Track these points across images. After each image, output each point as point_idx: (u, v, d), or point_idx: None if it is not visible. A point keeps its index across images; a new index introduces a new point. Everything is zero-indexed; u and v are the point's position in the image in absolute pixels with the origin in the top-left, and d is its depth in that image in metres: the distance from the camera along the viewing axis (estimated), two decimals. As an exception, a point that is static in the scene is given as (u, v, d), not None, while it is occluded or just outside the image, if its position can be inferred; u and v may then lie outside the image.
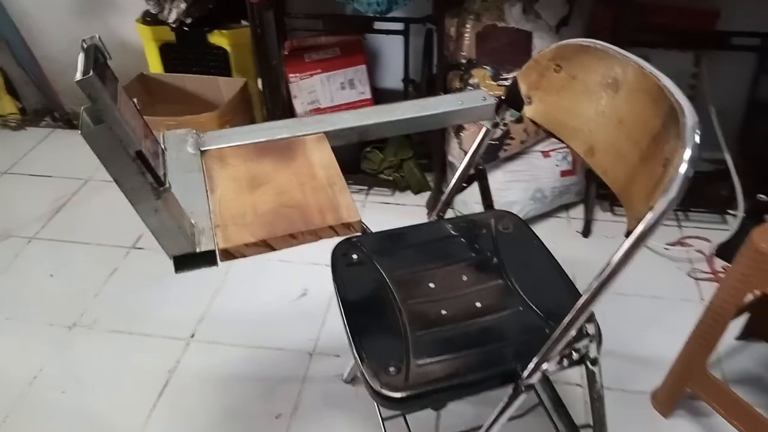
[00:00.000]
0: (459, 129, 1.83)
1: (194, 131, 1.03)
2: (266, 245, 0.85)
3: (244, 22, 1.99)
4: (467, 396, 0.97)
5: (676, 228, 1.92)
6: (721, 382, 1.35)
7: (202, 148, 0.99)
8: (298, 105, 1.92)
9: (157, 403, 1.41)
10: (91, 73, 0.63)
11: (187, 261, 0.82)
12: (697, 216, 1.95)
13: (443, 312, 1.05)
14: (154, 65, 2.18)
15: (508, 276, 1.10)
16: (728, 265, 1.76)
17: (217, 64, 2.11)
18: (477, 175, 1.23)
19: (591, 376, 1.01)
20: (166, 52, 2.15)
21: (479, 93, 1.14)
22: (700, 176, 1.91)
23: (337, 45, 1.89)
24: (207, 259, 0.83)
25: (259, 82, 1.98)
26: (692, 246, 1.83)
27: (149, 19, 2.10)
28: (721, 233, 1.86)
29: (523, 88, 1.11)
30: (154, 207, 0.75)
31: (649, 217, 0.79)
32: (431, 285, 1.10)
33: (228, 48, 2.06)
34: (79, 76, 0.63)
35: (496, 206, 1.30)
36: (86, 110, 0.69)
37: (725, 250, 1.78)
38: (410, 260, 1.15)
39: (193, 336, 1.59)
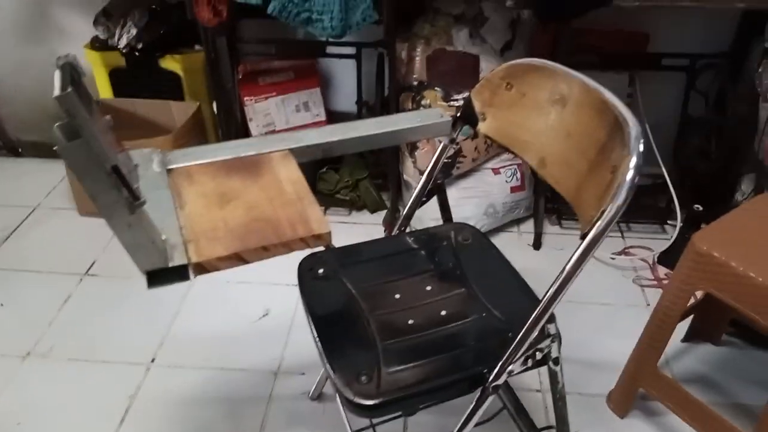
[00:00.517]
0: (413, 148, 1.89)
1: (159, 150, 1.04)
2: (239, 258, 0.87)
3: (197, 47, 2.01)
4: (437, 401, 1.00)
5: (620, 239, 2.02)
6: (671, 380, 1.43)
7: (169, 167, 1.01)
8: (254, 128, 1.94)
9: (119, 431, 1.38)
10: (69, 89, 0.65)
11: (159, 276, 0.83)
12: (638, 227, 2.06)
13: (410, 321, 1.08)
14: (104, 91, 2.16)
15: (469, 284, 1.15)
16: (670, 271, 1.86)
17: (170, 88, 2.11)
18: (436, 189, 1.28)
19: (553, 376, 1.06)
20: (116, 77, 2.13)
21: (436, 110, 1.19)
22: (640, 189, 2.03)
23: (291, 69, 1.93)
24: (179, 273, 0.84)
25: (214, 105, 2.00)
26: (636, 255, 1.93)
27: (98, 45, 2.09)
28: (661, 242, 1.98)
29: (477, 106, 1.17)
30: (128, 222, 0.76)
31: (600, 221, 0.85)
32: (397, 296, 1.13)
33: (180, 72, 2.06)
34: (57, 92, 0.64)
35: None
36: (60, 127, 0.69)
37: (666, 258, 1.89)
38: (375, 273, 1.18)
39: (153, 361, 1.56)
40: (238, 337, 1.64)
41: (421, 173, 1.88)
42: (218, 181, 0.99)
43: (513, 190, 1.94)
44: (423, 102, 1.83)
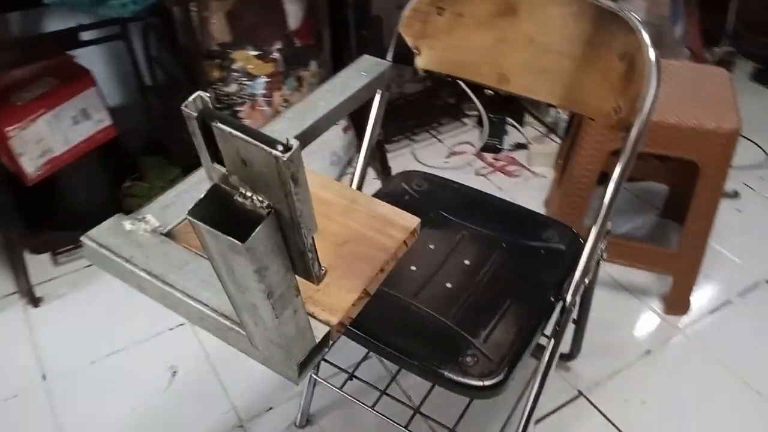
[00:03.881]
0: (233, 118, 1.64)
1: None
2: (366, 294, 0.67)
3: None
4: (535, 339, 0.95)
5: (439, 144, 2.12)
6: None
7: (163, 230, 0.70)
8: (27, 163, 1.45)
9: None
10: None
11: (307, 361, 0.60)
12: (444, 129, 2.18)
13: (449, 285, 1.00)
14: None
15: (461, 224, 1.09)
16: (497, 155, 2.04)
17: None
18: (376, 147, 1.15)
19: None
20: None
21: (368, 59, 1.05)
22: (418, 95, 2.15)
23: (50, 73, 1.46)
24: (321, 346, 0.62)
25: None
26: (465, 152, 2.06)
27: None
28: (469, 134, 2.14)
29: (409, 41, 1.06)
30: (295, 307, 0.53)
31: (644, 106, 0.88)
32: (412, 268, 1.02)
33: None
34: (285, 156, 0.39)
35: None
36: (201, 212, 0.43)
37: (488, 146, 2.06)
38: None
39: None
40: (163, 416, 1.30)
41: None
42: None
43: (345, 129, 1.86)
44: (234, 66, 1.59)
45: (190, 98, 0.42)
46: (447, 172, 1.98)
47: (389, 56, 1.07)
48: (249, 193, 0.44)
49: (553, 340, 0.98)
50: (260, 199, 0.44)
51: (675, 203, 1.74)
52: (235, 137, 0.40)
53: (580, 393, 1.35)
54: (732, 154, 1.28)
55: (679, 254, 1.46)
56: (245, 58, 1.59)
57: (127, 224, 0.69)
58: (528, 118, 2.19)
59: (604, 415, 1.31)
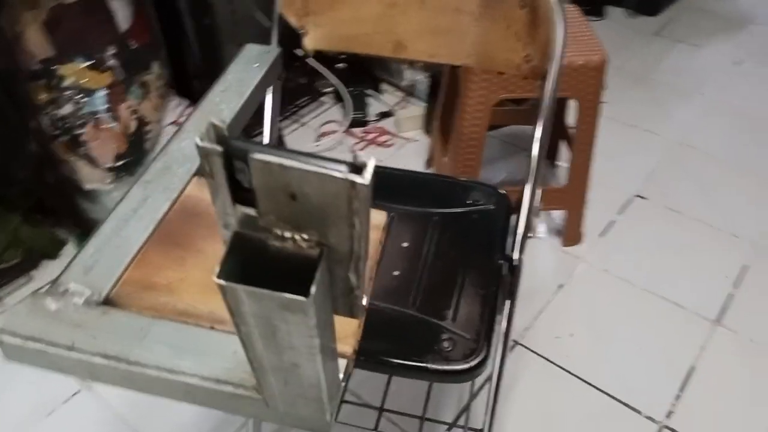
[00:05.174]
0: (75, 144, 1.42)
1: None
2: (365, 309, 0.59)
3: None
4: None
5: (305, 128, 2.02)
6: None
7: (99, 299, 0.55)
8: None
9: None
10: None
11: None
12: (305, 112, 2.09)
13: (395, 273, 0.94)
14: None
15: (392, 206, 1.04)
16: (366, 128, 1.99)
17: None
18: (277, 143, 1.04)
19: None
20: None
21: (253, 48, 0.93)
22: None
23: None
24: (344, 380, 0.54)
25: None
26: (334, 131, 1.98)
27: None
28: (332, 112, 2.07)
29: (293, 21, 0.96)
30: (335, 353, 0.44)
31: (555, 52, 0.87)
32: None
33: None
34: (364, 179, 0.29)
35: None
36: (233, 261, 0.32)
37: (354, 120, 2.00)
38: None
39: None
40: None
41: (103, 167, 1.47)
42: (193, 257, 0.60)
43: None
44: (64, 84, 1.35)
45: (203, 131, 0.31)
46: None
47: (273, 41, 0.96)
48: (289, 234, 0.34)
49: (509, 302, 0.96)
50: (305, 237, 0.34)
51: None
52: (289, 168, 0.30)
53: (516, 342, 1.38)
54: (604, 85, 1.35)
55: (568, 189, 1.53)
56: (76, 71, 1.36)
57: (50, 302, 0.54)
58: (384, 86, 2.16)
59: (542, 356, 1.35)
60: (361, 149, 1.93)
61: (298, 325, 0.35)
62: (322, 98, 2.14)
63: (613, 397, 1.26)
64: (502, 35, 0.92)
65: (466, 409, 1.22)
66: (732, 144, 1.95)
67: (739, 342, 1.37)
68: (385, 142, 1.96)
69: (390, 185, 1.08)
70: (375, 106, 2.08)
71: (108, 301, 0.55)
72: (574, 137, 1.43)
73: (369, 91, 2.10)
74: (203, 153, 0.31)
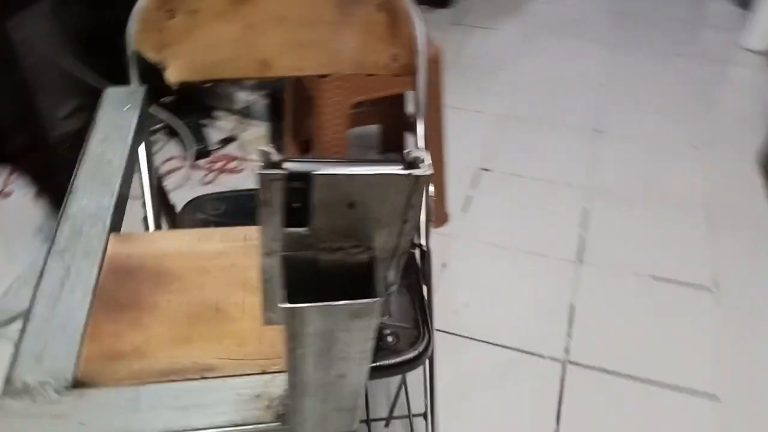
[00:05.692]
0: None
1: None
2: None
3: None
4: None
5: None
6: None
7: (67, 383, 0.50)
8: None
9: None
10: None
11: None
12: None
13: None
14: None
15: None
16: (211, 158, 1.93)
17: None
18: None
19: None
20: None
21: (116, 91, 0.87)
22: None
23: None
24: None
25: None
26: (179, 167, 1.89)
27: None
28: (170, 148, 1.98)
29: (151, 56, 0.92)
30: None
31: (420, 48, 0.94)
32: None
33: None
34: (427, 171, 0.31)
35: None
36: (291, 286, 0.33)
37: (197, 153, 1.93)
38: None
39: None
40: None
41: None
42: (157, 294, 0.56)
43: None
44: None
45: (259, 158, 0.30)
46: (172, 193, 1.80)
47: (134, 80, 0.91)
48: (338, 245, 0.35)
49: (426, 287, 1.01)
50: (354, 245, 0.35)
51: (390, 137, 1.91)
52: (354, 177, 0.30)
53: (420, 326, 1.44)
54: (441, 73, 1.46)
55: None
56: None
57: (12, 402, 0.47)
58: (218, 113, 2.11)
59: (447, 332, 1.43)
60: (212, 180, 1.87)
61: (361, 330, 0.36)
62: (154, 136, 2.03)
63: (518, 350, 1.38)
64: (366, 39, 0.97)
65: (396, 398, 1.25)
66: (541, 106, 2.20)
67: (601, 273, 1.56)
68: (236, 168, 1.92)
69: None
70: (214, 134, 2.03)
71: (78, 384, 0.50)
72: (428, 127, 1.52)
73: (204, 121, 2.04)
74: (265, 181, 0.30)
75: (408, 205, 0.33)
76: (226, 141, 2.01)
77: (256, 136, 1.98)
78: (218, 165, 1.92)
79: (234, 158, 1.95)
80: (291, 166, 0.31)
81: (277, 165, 0.31)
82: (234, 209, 1.07)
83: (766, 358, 1.38)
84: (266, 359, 0.54)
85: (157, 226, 0.96)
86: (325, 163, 0.31)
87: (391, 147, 1.94)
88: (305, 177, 0.30)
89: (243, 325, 0.56)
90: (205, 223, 1.03)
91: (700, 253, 1.63)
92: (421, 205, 0.34)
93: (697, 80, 2.41)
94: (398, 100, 1.75)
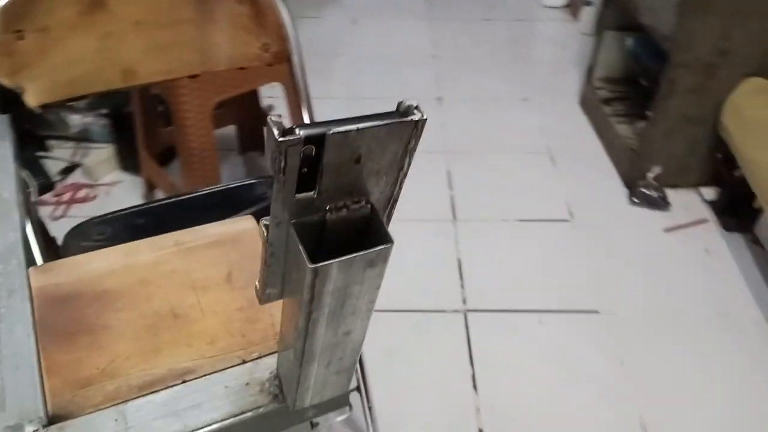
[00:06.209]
0: None
1: None
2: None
3: None
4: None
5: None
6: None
7: (44, 422, 0.46)
8: None
9: None
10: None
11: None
12: None
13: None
14: None
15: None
16: (57, 191, 1.78)
17: None
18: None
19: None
20: None
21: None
22: None
23: None
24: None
25: None
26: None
27: None
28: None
29: (6, 82, 0.84)
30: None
31: (288, 29, 0.95)
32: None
33: None
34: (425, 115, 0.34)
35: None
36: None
37: (41, 188, 1.77)
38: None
39: None
40: None
41: None
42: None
43: None
44: None
45: (272, 124, 0.31)
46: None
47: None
48: (341, 203, 0.37)
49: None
50: (355, 200, 0.38)
51: (247, 135, 1.89)
52: (363, 131, 0.33)
53: (325, 311, 1.46)
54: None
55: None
56: None
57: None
58: (52, 142, 1.93)
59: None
60: (63, 214, 1.72)
61: (373, 279, 0.39)
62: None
63: (423, 311, 1.46)
64: (232, 33, 0.96)
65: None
66: (384, 84, 2.30)
67: (475, 226, 1.69)
68: (87, 196, 1.79)
69: (169, 218, 1.04)
70: (53, 165, 1.86)
71: (54, 419, 0.47)
72: (292, 118, 1.53)
73: (39, 153, 1.87)
74: (285, 147, 0.31)
75: (405, 151, 0.36)
76: (68, 170, 1.86)
77: (101, 159, 1.85)
78: (66, 197, 1.78)
79: (82, 186, 1.81)
80: (302, 131, 0.32)
81: (290, 132, 0.32)
82: (122, 229, 1.01)
83: (629, 269, 1.59)
84: (242, 349, 0.54)
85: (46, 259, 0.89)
86: (331, 124, 0.33)
87: (250, 146, 1.91)
88: (320, 138, 0.32)
89: (207, 324, 0.56)
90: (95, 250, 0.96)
91: (554, 190, 1.83)
92: (414, 152, 0.37)
93: (512, 40, 2.65)
94: (253, 97, 1.74)
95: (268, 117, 0.32)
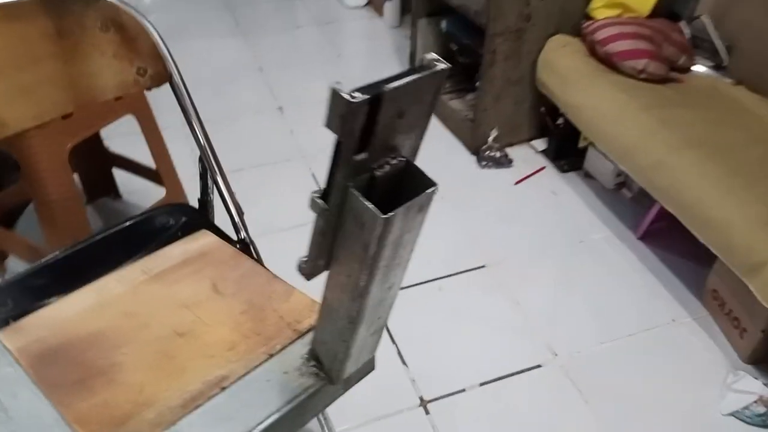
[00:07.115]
0: None
1: None
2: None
3: None
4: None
5: None
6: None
7: None
8: None
9: None
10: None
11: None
12: None
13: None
14: None
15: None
16: None
17: None
18: None
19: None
20: None
21: None
22: None
23: None
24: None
25: None
26: None
27: None
28: None
29: None
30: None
31: (162, 48, 0.93)
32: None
33: None
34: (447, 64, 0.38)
35: None
36: None
37: None
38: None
39: None
40: None
41: None
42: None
43: None
44: None
45: (334, 90, 0.34)
46: None
47: None
48: (384, 159, 0.41)
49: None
50: (393, 156, 0.41)
51: (94, 180, 1.76)
52: (408, 84, 0.37)
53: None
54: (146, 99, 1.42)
55: (170, 193, 1.57)
56: None
57: None
58: None
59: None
60: None
61: (418, 226, 0.43)
62: None
63: (331, 308, 1.49)
64: (103, 63, 0.92)
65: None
66: (220, 105, 2.27)
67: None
68: None
69: (86, 262, 0.96)
70: None
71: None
72: (152, 147, 1.47)
73: None
74: (355, 108, 0.34)
75: (433, 101, 0.40)
76: None
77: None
78: None
79: None
80: (358, 94, 0.36)
81: (368, 92, 0.35)
82: (26, 295, 0.91)
83: (497, 223, 1.75)
84: (264, 345, 0.56)
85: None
86: (379, 84, 0.37)
87: (100, 192, 1.79)
88: (377, 98, 0.35)
89: (218, 334, 0.56)
90: (4, 323, 0.86)
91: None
92: (437, 102, 0.42)
93: (328, 42, 2.75)
94: (95, 140, 1.63)
95: (331, 86, 0.35)
